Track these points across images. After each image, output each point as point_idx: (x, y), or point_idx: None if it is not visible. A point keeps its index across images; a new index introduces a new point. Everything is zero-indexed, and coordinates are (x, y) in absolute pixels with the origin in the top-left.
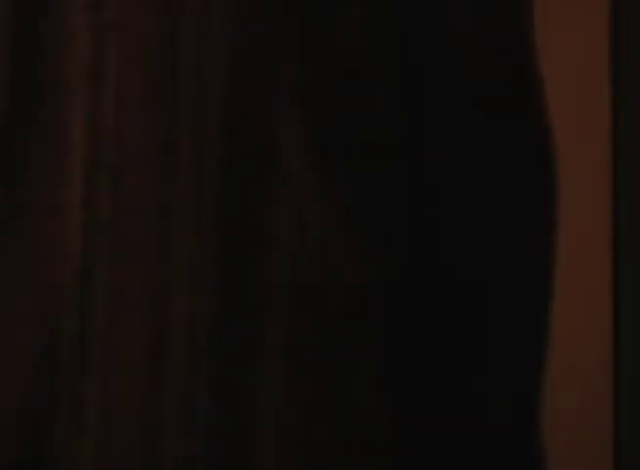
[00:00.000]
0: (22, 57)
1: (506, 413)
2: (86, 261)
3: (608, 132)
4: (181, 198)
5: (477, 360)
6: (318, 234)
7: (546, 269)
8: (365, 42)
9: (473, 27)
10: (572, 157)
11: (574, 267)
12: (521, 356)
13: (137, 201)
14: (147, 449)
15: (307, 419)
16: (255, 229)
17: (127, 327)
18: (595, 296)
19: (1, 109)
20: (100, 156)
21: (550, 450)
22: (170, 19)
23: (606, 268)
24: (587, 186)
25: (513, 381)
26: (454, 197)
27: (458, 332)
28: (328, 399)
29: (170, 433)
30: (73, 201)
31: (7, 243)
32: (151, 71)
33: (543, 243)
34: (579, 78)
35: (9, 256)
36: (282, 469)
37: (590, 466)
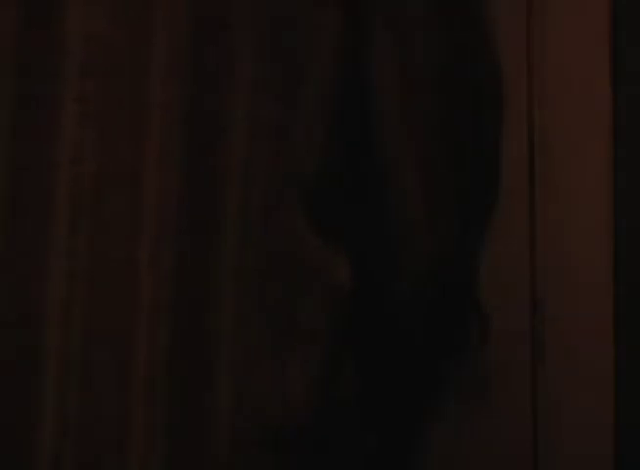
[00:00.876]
0: None
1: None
2: None
3: (608, 132)
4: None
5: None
6: None
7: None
8: None
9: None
10: (573, 156)
11: (575, 267)
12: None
13: None
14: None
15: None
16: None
17: None
18: (596, 294)
19: None
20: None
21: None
22: None
23: (607, 268)
24: (588, 185)
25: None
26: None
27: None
28: None
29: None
30: None
31: None
32: None
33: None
34: (579, 78)
35: None
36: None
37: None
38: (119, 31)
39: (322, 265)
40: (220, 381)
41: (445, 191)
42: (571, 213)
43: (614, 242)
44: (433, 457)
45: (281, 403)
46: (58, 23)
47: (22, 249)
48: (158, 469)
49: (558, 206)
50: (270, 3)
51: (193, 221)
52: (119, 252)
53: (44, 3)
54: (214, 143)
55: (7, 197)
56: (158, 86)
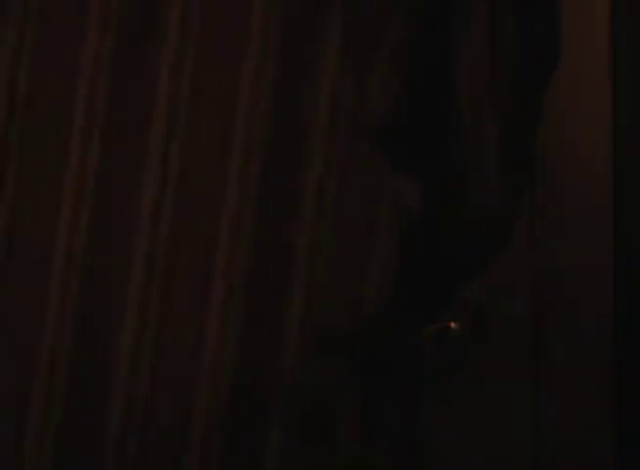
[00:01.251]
0: None
1: None
2: None
3: (609, 131)
4: None
5: None
6: None
7: None
8: None
9: None
10: (574, 156)
11: (575, 267)
12: None
13: None
14: None
15: None
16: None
17: None
18: (596, 293)
19: None
20: None
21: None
22: None
23: (607, 268)
24: (588, 185)
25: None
26: None
27: None
28: None
29: None
30: None
31: None
32: None
33: None
34: (579, 78)
35: None
36: None
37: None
38: None
39: (396, 192)
40: (295, 289)
41: (521, 145)
42: (571, 213)
43: (614, 242)
44: (432, 457)
45: (351, 310)
46: None
47: (119, 158)
48: (227, 376)
49: (558, 206)
50: None
51: (282, 141)
52: (209, 163)
53: None
54: (305, 67)
55: (108, 107)
56: (259, 9)
